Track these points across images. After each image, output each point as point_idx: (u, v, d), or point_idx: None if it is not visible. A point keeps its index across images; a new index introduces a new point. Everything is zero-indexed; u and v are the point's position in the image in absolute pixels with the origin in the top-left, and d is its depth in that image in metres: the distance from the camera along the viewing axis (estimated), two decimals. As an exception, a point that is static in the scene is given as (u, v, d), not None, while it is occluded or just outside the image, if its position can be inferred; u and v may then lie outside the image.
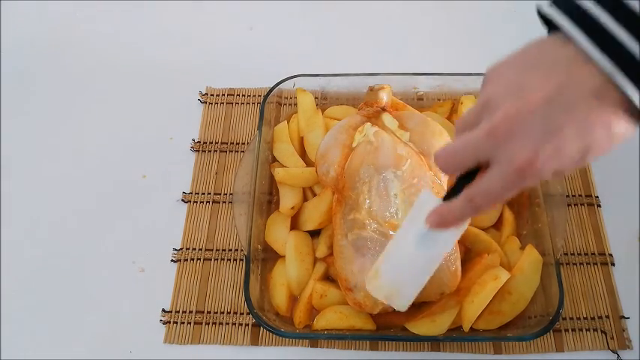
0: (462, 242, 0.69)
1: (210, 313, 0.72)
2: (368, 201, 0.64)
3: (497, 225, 0.73)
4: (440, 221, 0.48)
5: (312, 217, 0.72)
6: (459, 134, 0.44)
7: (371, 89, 0.73)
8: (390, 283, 0.55)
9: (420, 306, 0.65)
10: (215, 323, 0.72)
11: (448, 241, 0.52)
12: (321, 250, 0.71)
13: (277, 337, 0.70)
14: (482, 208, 0.44)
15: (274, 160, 0.79)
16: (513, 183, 0.41)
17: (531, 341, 0.68)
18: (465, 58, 0.90)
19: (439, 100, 0.83)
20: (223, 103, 0.90)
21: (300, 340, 0.70)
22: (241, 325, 0.71)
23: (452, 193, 0.47)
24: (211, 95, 0.91)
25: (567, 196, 0.78)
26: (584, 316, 0.70)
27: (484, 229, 0.71)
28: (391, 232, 0.63)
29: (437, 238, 0.51)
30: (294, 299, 0.70)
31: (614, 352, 0.68)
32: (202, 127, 0.88)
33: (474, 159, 0.43)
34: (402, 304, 0.56)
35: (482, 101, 0.42)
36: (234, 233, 0.78)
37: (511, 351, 0.68)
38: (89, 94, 0.92)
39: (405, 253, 0.53)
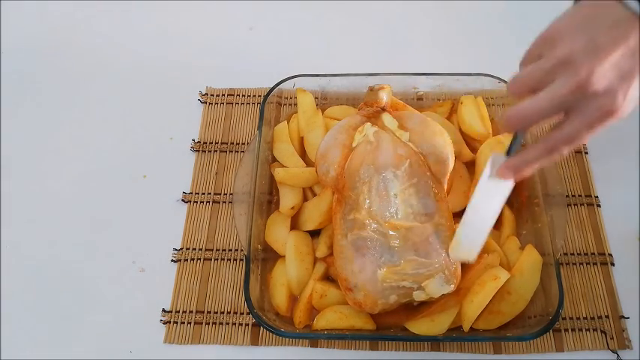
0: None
1: (210, 313, 0.72)
2: (368, 201, 0.64)
3: (497, 225, 0.72)
4: (515, 169, 0.53)
5: (312, 217, 0.72)
6: (527, 87, 0.49)
7: (371, 89, 0.73)
8: (468, 242, 0.60)
9: (419, 306, 0.65)
10: (215, 323, 0.72)
11: (508, 186, 0.56)
12: (321, 250, 0.71)
13: (277, 337, 0.70)
14: (563, 152, 0.50)
15: (274, 160, 0.79)
16: (598, 127, 0.47)
17: (531, 341, 0.68)
18: (465, 58, 0.91)
19: (439, 100, 0.83)
20: (223, 103, 0.90)
21: (300, 340, 0.70)
22: (241, 325, 0.72)
23: (514, 145, 0.54)
24: (211, 95, 0.91)
25: (567, 196, 0.78)
26: (584, 316, 0.70)
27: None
28: (391, 232, 0.63)
29: (500, 186, 0.56)
30: (294, 299, 0.70)
31: (613, 352, 0.68)
32: (202, 127, 0.88)
33: (557, 111, 0.48)
34: (475, 255, 0.60)
35: (557, 60, 0.47)
36: (234, 233, 0.78)
37: (511, 351, 0.68)
38: (89, 94, 0.92)
39: (478, 212, 0.58)
